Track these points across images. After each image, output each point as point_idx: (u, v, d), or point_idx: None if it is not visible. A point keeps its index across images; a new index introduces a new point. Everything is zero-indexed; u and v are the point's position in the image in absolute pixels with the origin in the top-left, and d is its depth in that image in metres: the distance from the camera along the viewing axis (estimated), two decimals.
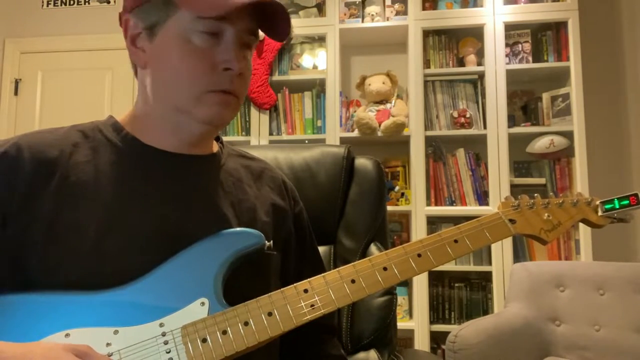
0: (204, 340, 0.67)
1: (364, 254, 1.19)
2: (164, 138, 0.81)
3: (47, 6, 3.43)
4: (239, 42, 0.77)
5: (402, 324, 2.59)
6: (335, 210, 1.22)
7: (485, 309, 2.67)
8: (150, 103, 0.81)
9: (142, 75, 0.81)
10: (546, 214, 0.85)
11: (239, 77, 0.77)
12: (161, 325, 0.68)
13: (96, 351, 0.62)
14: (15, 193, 0.72)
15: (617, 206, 0.84)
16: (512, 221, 0.83)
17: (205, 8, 0.73)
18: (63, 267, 0.70)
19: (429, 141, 2.77)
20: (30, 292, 0.69)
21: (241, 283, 0.76)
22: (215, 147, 0.90)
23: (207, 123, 0.79)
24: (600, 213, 0.86)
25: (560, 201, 0.87)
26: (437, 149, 2.80)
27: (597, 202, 0.87)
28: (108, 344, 0.66)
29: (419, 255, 0.77)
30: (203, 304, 0.70)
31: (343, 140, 2.74)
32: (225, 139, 0.95)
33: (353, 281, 0.74)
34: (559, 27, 2.76)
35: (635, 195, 0.83)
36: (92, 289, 0.69)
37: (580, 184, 2.57)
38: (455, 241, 0.79)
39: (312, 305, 0.72)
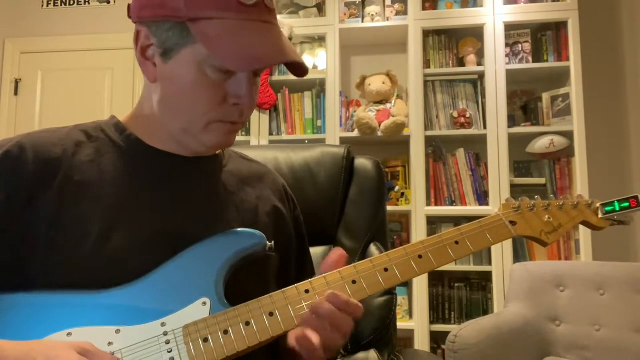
0: (206, 340, 0.67)
1: (364, 254, 1.19)
2: (168, 142, 0.81)
3: (47, 6, 3.43)
4: (251, 76, 0.77)
5: (402, 324, 2.59)
6: (335, 211, 1.22)
7: (485, 309, 2.68)
8: (157, 114, 0.80)
9: (151, 86, 0.80)
10: (547, 216, 0.85)
11: (248, 108, 0.79)
12: (163, 324, 0.68)
13: (98, 348, 0.62)
14: (19, 192, 0.72)
15: (618, 208, 0.85)
16: (512, 223, 0.83)
17: (228, 60, 0.71)
18: (65, 266, 0.70)
19: (429, 141, 2.77)
20: (32, 291, 0.69)
21: (242, 283, 0.76)
22: None
23: (212, 148, 0.82)
24: (600, 215, 0.87)
25: (561, 203, 0.87)
26: (437, 149, 2.80)
27: (598, 205, 0.87)
28: (110, 343, 0.66)
29: (420, 257, 0.77)
30: (205, 303, 0.70)
31: (343, 140, 2.74)
32: None
33: (354, 282, 0.74)
34: (559, 27, 2.76)
35: (636, 197, 0.83)
36: (94, 289, 0.69)
37: (580, 184, 2.57)
38: (456, 242, 0.80)
39: None
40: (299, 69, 0.79)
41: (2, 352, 0.60)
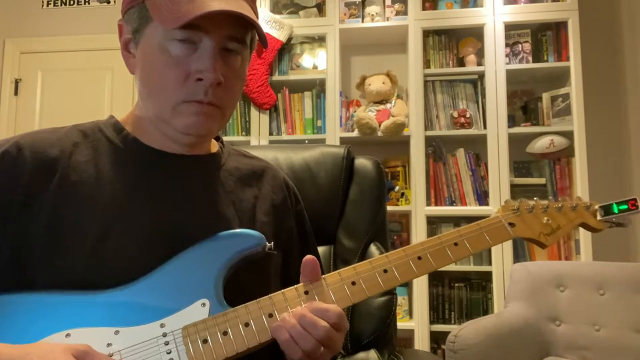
0: (205, 341, 0.67)
1: (363, 254, 1.19)
2: (162, 139, 0.81)
3: (47, 6, 3.43)
4: (219, 50, 0.75)
5: (402, 324, 2.59)
6: (335, 211, 1.22)
7: (485, 309, 2.67)
8: (142, 107, 0.82)
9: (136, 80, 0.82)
10: (545, 218, 0.85)
11: (218, 86, 0.75)
12: (162, 325, 0.68)
13: (96, 350, 0.62)
14: (16, 192, 0.72)
15: (616, 211, 0.85)
16: (511, 225, 0.84)
17: (168, 19, 0.71)
18: (63, 267, 0.70)
19: (429, 141, 2.77)
20: (30, 292, 0.69)
21: (242, 284, 0.76)
22: (216, 147, 0.90)
23: (185, 133, 0.79)
24: (599, 217, 0.87)
25: (560, 205, 0.87)
26: (437, 149, 2.80)
27: (596, 207, 0.87)
28: (109, 344, 0.66)
29: (419, 258, 0.77)
30: (204, 304, 0.70)
31: (343, 140, 2.74)
32: (225, 139, 0.95)
33: (353, 283, 0.74)
34: (559, 27, 2.76)
35: (634, 200, 0.83)
36: (93, 289, 0.69)
37: (580, 184, 2.57)
38: (456, 244, 0.80)
39: None
40: (261, 37, 0.77)
41: None
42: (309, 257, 0.74)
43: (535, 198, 0.88)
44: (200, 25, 0.72)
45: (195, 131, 0.78)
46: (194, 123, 0.77)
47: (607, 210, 0.86)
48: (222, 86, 0.75)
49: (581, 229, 2.64)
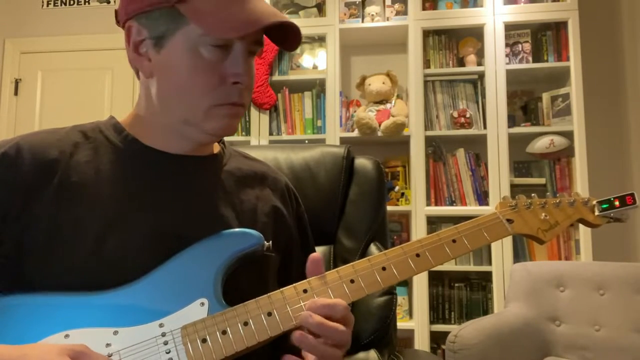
0: (204, 341, 0.67)
1: (363, 254, 1.19)
2: (167, 141, 0.81)
3: (47, 6, 3.43)
4: (246, 53, 0.77)
5: (402, 324, 2.59)
6: (335, 210, 1.22)
7: (485, 309, 2.67)
8: (156, 110, 0.80)
9: (147, 83, 0.80)
10: (543, 214, 0.85)
11: (246, 88, 0.78)
12: (161, 325, 0.68)
13: (93, 350, 0.62)
14: (16, 194, 0.72)
15: (614, 206, 0.85)
16: (509, 221, 0.83)
17: (219, 29, 0.72)
18: (62, 268, 0.70)
19: (429, 141, 2.77)
20: (29, 293, 0.69)
21: (240, 283, 0.76)
22: (217, 147, 0.90)
23: (216, 135, 0.80)
24: (597, 213, 0.87)
25: (558, 201, 0.87)
26: (437, 149, 2.80)
27: (594, 202, 0.87)
28: (108, 345, 0.66)
29: (418, 255, 0.77)
30: (203, 304, 0.70)
31: (343, 140, 2.74)
32: (225, 139, 0.95)
33: (352, 281, 0.74)
34: (559, 27, 2.76)
35: (632, 194, 0.83)
36: (92, 290, 0.69)
37: (580, 184, 2.57)
38: (454, 241, 0.79)
39: None
40: (292, 39, 0.79)
41: None
42: (314, 254, 0.75)
43: (533, 195, 0.88)
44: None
45: (227, 133, 0.80)
46: (227, 125, 0.78)
47: (604, 205, 0.85)
48: (247, 88, 0.79)
49: (582, 228, 2.63)
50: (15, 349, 0.60)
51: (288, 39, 0.79)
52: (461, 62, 2.85)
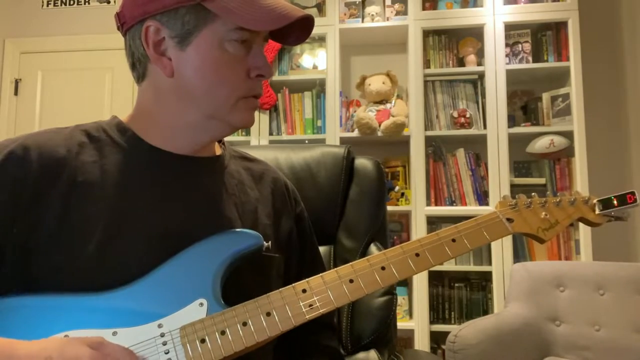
0: (203, 341, 0.67)
1: (364, 254, 1.19)
2: (173, 141, 0.81)
3: (47, 6, 3.43)
4: (263, 48, 0.81)
5: (402, 324, 2.59)
6: (335, 211, 1.22)
7: (485, 309, 2.67)
8: (172, 109, 0.79)
9: (161, 83, 0.79)
10: (543, 213, 0.85)
11: (269, 77, 0.82)
12: (160, 326, 0.68)
13: (109, 341, 0.63)
14: (23, 193, 0.71)
15: (615, 204, 0.84)
16: (509, 220, 0.83)
17: (255, 22, 0.74)
18: (68, 267, 0.70)
19: (429, 141, 2.77)
20: (29, 294, 0.69)
21: (242, 284, 0.76)
22: (219, 149, 0.90)
23: (239, 127, 0.83)
24: (597, 211, 0.86)
25: (558, 200, 0.87)
26: (437, 149, 2.80)
27: (594, 201, 0.87)
28: None
29: (417, 255, 0.77)
30: (201, 304, 0.70)
31: (343, 140, 2.74)
32: (225, 138, 0.94)
33: (351, 281, 0.74)
34: (559, 27, 2.76)
35: (632, 193, 0.83)
36: (97, 289, 0.69)
37: (580, 184, 2.57)
38: (453, 240, 0.79)
39: (310, 305, 0.71)
40: (299, 35, 0.82)
41: (16, 351, 0.60)
42: None
43: (533, 194, 0.88)
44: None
45: (250, 124, 0.83)
46: (250, 117, 0.82)
47: (605, 204, 0.85)
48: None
49: (582, 228, 2.62)
50: (33, 344, 0.61)
51: (294, 33, 0.82)
52: (461, 62, 2.85)
